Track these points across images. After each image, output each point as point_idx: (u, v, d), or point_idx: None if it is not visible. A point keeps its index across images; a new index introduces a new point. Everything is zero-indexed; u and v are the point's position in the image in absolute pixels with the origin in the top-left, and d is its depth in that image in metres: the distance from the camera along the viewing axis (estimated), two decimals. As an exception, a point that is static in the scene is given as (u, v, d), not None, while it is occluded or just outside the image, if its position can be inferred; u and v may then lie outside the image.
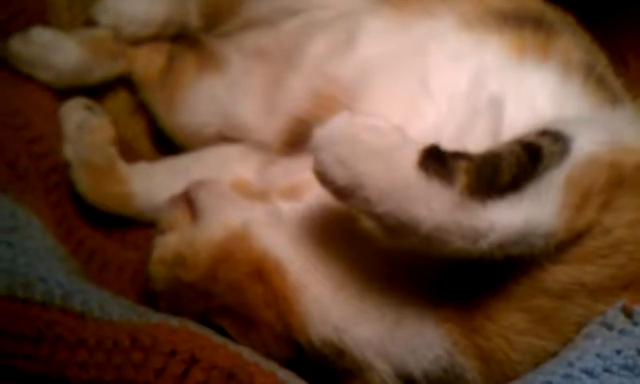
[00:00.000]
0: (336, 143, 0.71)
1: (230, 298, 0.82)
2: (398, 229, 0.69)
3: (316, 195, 0.87)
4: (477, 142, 0.81)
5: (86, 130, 1.11)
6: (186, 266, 0.85)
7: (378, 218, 0.69)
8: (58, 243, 0.92)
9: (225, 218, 0.89)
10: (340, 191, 0.71)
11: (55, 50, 1.13)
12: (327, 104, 0.99)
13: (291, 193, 0.92)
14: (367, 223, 0.72)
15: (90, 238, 1.08)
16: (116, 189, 1.09)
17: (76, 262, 0.93)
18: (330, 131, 0.72)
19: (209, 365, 0.70)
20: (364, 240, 0.80)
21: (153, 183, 1.11)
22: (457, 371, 0.77)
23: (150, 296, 0.90)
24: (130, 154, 1.19)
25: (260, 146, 1.08)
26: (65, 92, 1.17)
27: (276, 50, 1.12)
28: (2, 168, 0.93)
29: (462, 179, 0.68)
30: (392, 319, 0.78)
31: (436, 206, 0.67)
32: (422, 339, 0.77)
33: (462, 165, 0.69)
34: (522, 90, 0.88)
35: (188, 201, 0.95)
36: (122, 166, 1.11)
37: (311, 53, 1.05)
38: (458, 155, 0.70)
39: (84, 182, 1.08)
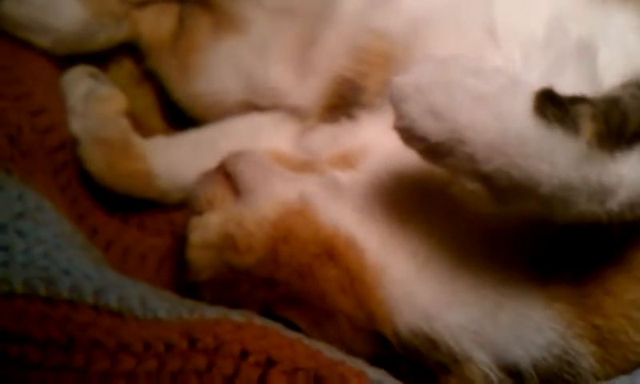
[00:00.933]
0: (427, 91, 0.59)
1: (298, 285, 0.69)
2: (513, 190, 0.57)
3: (376, 162, 0.76)
4: (569, 92, 0.69)
5: (93, 101, 0.96)
6: (239, 250, 0.71)
7: (486, 178, 0.57)
8: (77, 229, 0.78)
9: (276, 191, 0.76)
10: (434, 149, 0.59)
11: (54, 11, 0.98)
12: (375, 60, 0.86)
13: (343, 161, 0.80)
14: (468, 186, 0.60)
15: (106, 224, 0.93)
16: (133, 166, 0.94)
17: (98, 250, 0.79)
18: (417, 77, 0.60)
19: (290, 367, 0.57)
20: (452, 207, 0.68)
21: (175, 159, 0.96)
22: (570, 358, 0.65)
23: (190, 287, 0.76)
24: (138, 129, 1.04)
25: (295, 113, 0.95)
26: (64, 61, 1.01)
27: (303, 4, 0.99)
28: (2, 142, 0.78)
29: (588, 127, 0.56)
30: (492, 301, 0.66)
31: (560, 160, 0.55)
32: (529, 323, 0.65)
33: (586, 110, 0.57)
34: (611, 32, 0.77)
35: (226, 175, 0.81)
36: (138, 141, 0.97)
37: (347, 4, 0.92)
38: (577, 99, 0.58)
39: (95, 160, 0.93)
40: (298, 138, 0.93)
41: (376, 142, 0.80)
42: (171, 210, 0.97)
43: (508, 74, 0.60)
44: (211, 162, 0.92)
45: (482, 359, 0.66)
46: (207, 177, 0.82)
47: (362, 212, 0.72)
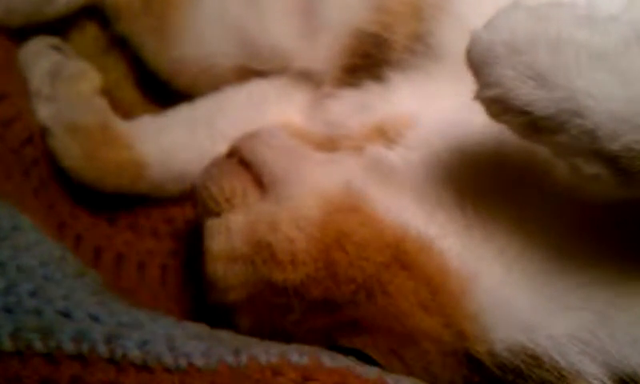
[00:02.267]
0: (525, 49, 0.47)
1: (365, 305, 0.55)
2: None
3: (428, 135, 0.62)
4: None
5: (62, 80, 0.79)
6: (279, 262, 0.57)
7: (612, 159, 0.44)
8: (66, 249, 0.62)
9: (312, 181, 0.61)
10: (538, 125, 0.46)
11: (2, -26, 0.80)
12: (399, 8, 0.72)
13: (380, 135, 0.67)
14: (585, 169, 0.47)
15: (92, 229, 0.77)
16: (118, 157, 0.78)
17: (92, 270, 0.63)
18: (509, 30, 0.46)
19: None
20: (541, 188, 0.55)
21: (168, 143, 0.80)
22: None
23: (218, 311, 0.62)
24: (112, 107, 0.87)
25: (305, 77, 0.81)
26: (19, 34, 0.83)
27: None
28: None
29: None
30: (603, 301, 0.54)
31: None
32: None
33: None
34: None
35: (244, 163, 0.66)
36: (121, 125, 0.80)
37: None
38: None
39: (72, 153, 0.77)
40: (313, 109, 0.79)
41: (421, 109, 0.67)
42: (168, 204, 0.81)
43: (630, 22, 0.47)
44: (210, 144, 0.78)
45: (593, 372, 0.54)
46: (219, 167, 0.67)
47: (427, 202, 0.58)
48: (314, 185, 0.61)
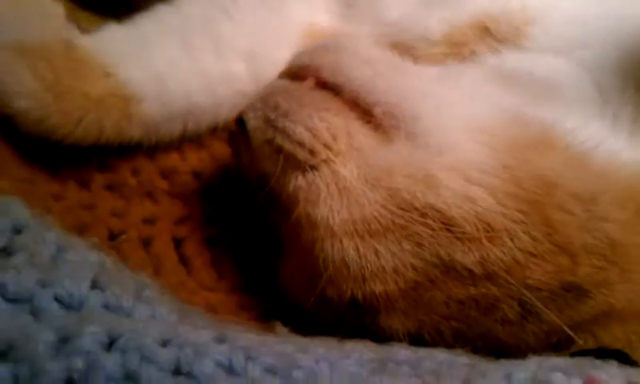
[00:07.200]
0: None
1: (621, 286, 0.38)
2: None
3: (564, 31, 0.47)
4: None
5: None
6: (462, 234, 0.38)
7: None
8: (98, 246, 0.39)
9: (452, 109, 0.43)
10: None
11: None
12: None
13: (485, 36, 0.50)
14: None
15: (60, 202, 0.53)
16: (95, 88, 0.52)
17: (141, 275, 0.41)
18: None
19: None
20: None
21: (159, 63, 0.56)
22: None
23: (342, 309, 0.42)
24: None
25: None
26: None
27: None
28: None
29: None
30: None
31: None
32: None
33: None
34: None
35: (327, 87, 0.46)
36: (86, 40, 0.54)
37: None
38: None
39: (25, 88, 0.50)
40: (348, 6, 0.59)
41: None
42: (157, 152, 0.58)
43: None
44: (216, 61, 0.57)
45: None
46: (294, 96, 0.46)
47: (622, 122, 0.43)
48: (457, 115, 0.42)
